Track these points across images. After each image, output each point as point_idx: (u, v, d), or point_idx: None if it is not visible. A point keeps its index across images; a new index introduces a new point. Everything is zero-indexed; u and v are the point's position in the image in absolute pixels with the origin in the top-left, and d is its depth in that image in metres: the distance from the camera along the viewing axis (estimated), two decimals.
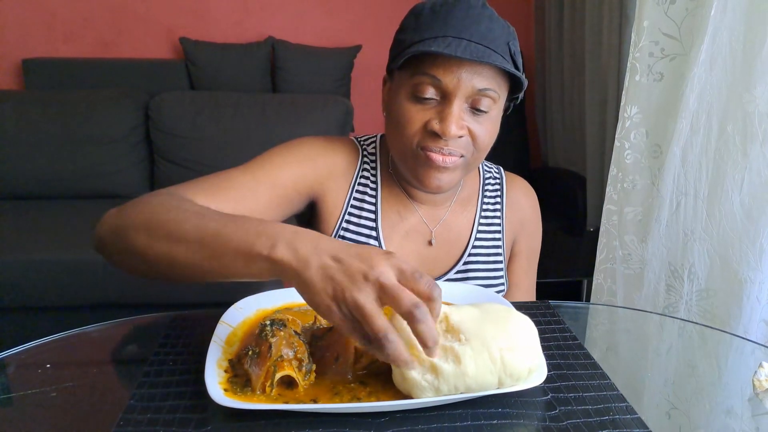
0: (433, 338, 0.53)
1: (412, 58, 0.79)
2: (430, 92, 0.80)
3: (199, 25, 2.88)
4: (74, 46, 2.82)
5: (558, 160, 2.83)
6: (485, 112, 0.81)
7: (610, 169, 1.49)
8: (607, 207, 1.51)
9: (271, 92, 2.83)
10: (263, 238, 0.56)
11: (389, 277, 0.52)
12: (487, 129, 0.83)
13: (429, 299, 0.53)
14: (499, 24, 0.81)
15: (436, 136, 0.81)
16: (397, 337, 0.52)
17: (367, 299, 0.51)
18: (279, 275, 0.56)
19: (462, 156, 0.84)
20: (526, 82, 0.84)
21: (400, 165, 0.90)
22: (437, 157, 0.82)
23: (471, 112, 0.82)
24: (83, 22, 2.81)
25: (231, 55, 2.76)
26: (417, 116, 0.81)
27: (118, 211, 0.71)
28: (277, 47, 2.79)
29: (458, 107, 0.79)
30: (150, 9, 2.84)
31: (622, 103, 1.43)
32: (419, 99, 0.81)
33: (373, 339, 0.52)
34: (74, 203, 2.46)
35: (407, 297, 0.51)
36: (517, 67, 0.82)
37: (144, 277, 0.69)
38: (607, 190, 1.51)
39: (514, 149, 3.00)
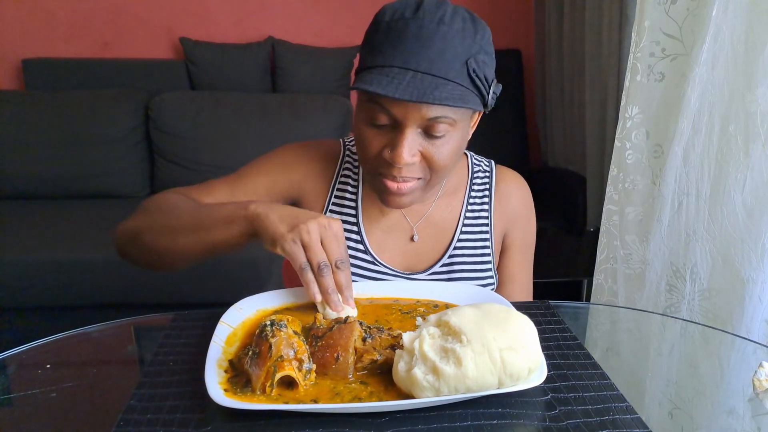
0: (327, 290, 0.73)
1: None
2: (383, 119, 0.79)
3: (199, 25, 2.87)
4: (74, 46, 2.82)
5: (558, 160, 2.83)
6: (441, 136, 0.80)
7: (611, 169, 1.49)
8: (608, 207, 1.51)
9: (271, 92, 2.83)
10: (239, 207, 0.77)
11: (314, 231, 0.72)
12: (445, 152, 0.81)
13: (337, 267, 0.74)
14: (454, 42, 0.76)
15: (389, 163, 0.81)
16: (330, 272, 0.73)
17: (311, 233, 0.72)
18: (252, 227, 0.75)
19: (419, 178, 0.84)
20: (486, 96, 0.81)
21: (366, 179, 0.94)
22: (392, 185, 0.83)
23: (426, 137, 0.80)
24: (83, 22, 2.81)
25: (231, 55, 2.76)
26: (373, 142, 0.82)
27: (129, 220, 0.87)
28: (277, 47, 2.79)
29: (410, 135, 0.78)
30: (150, 9, 2.84)
31: (622, 104, 1.42)
32: (374, 125, 0.81)
33: (313, 267, 0.72)
34: (74, 203, 2.46)
35: (320, 254, 0.72)
36: (477, 85, 0.78)
37: (157, 269, 0.88)
38: (608, 190, 1.50)
39: (514, 149, 3.00)
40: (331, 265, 0.73)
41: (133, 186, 2.59)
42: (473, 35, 0.78)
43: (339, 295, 0.74)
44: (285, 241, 0.72)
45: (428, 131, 0.79)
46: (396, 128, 0.79)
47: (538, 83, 2.99)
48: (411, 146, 0.79)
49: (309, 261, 0.72)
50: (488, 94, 0.81)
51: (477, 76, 0.78)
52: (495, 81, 0.83)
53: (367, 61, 0.81)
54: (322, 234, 0.73)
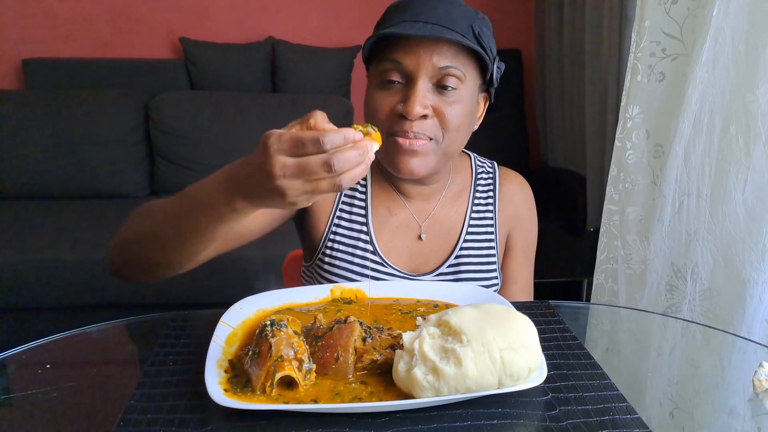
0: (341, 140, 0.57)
1: (376, 49, 0.84)
2: (395, 76, 0.83)
3: (199, 25, 2.87)
4: (74, 46, 2.82)
5: (558, 160, 2.83)
6: (453, 89, 0.83)
7: (611, 169, 1.48)
8: (608, 207, 1.51)
9: (271, 92, 2.83)
10: (217, 195, 0.64)
11: (283, 137, 0.57)
12: (456, 109, 0.84)
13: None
14: (460, 9, 0.83)
15: (402, 118, 0.83)
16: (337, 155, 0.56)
17: (284, 165, 0.56)
18: (238, 191, 0.63)
19: (431, 139, 0.85)
20: (492, 62, 0.85)
21: (378, 155, 0.91)
22: (404, 142, 0.84)
23: (437, 92, 0.84)
24: (83, 22, 2.81)
25: (231, 55, 2.76)
26: (385, 102, 0.84)
27: (114, 238, 0.80)
28: (277, 47, 2.79)
29: (422, 87, 0.82)
30: (150, 9, 2.84)
31: (623, 103, 1.42)
32: (386, 85, 0.84)
33: (328, 167, 0.56)
34: (74, 203, 2.46)
35: (305, 137, 0.56)
36: (483, 46, 0.83)
37: (151, 281, 0.79)
38: (608, 190, 1.50)
39: (514, 149, 3.00)
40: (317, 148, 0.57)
41: (133, 186, 2.59)
42: (475, 14, 0.85)
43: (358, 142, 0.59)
44: (290, 191, 0.59)
45: (439, 84, 0.83)
46: (408, 84, 0.83)
47: (538, 83, 2.99)
48: (422, 98, 0.82)
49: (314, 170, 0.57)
50: (492, 64, 0.86)
51: (482, 39, 0.83)
52: (498, 59, 0.88)
53: (376, 31, 0.85)
54: (286, 149, 0.57)
